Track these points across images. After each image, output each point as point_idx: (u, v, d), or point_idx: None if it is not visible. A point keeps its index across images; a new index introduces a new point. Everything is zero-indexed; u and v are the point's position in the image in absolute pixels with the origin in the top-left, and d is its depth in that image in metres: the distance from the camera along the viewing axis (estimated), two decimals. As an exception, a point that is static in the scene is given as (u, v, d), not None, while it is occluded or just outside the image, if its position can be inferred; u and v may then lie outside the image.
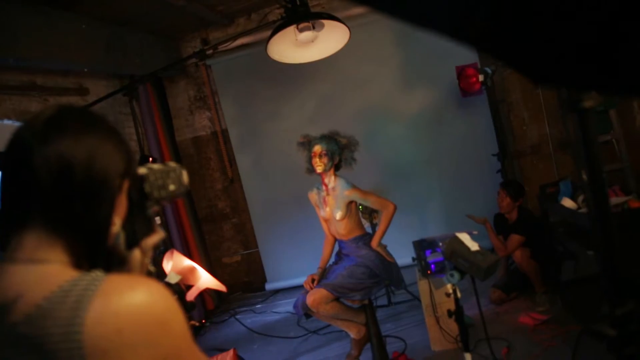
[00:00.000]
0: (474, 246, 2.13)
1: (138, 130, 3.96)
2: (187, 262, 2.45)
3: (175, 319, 0.79)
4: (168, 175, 0.98)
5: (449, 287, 2.20)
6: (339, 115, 5.45)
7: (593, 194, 0.85)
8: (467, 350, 2.26)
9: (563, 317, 3.67)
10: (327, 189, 3.51)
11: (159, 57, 5.35)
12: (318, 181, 3.62)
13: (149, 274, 0.96)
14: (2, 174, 0.84)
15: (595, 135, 0.84)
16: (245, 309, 5.55)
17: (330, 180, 3.47)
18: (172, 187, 0.99)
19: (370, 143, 5.23)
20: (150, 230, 0.95)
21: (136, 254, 0.91)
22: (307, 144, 3.52)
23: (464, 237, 2.16)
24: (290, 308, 5.29)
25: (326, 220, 3.67)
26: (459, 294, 2.21)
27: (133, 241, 0.90)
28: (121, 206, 0.88)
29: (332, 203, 3.49)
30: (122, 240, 0.88)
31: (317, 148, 3.40)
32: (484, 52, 0.52)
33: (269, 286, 5.99)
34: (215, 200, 6.18)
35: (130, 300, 0.75)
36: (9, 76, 3.70)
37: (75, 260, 0.83)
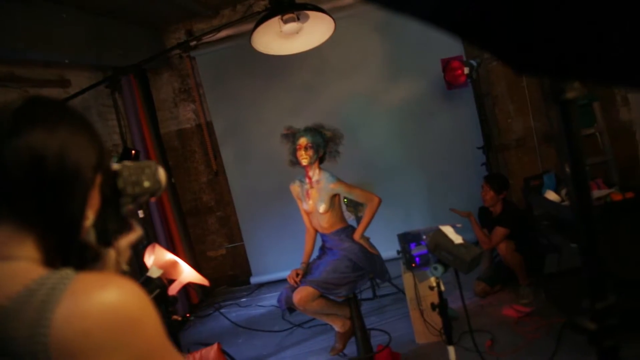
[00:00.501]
0: (457, 239, 2.12)
1: (121, 122, 3.90)
2: (169, 256, 2.42)
3: (148, 318, 0.76)
4: (143, 172, 0.95)
5: (432, 281, 2.20)
6: (324, 107, 5.43)
7: (575, 187, 0.84)
8: (450, 343, 2.26)
9: (546, 310, 3.70)
10: (310, 182, 3.48)
11: (143, 49, 5.27)
12: (300, 173, 3.59)
13: (123, 273, 0.93)
14: None
15: (578, 127, 0.83)
16: (230, 302, 5.52)
17: (315, 173, 3.45)
18: (146, 184, 0.95)
19: (355, 135, 5.22)
20: (124, 228, 0.92)
21: (110, 252, 0.88)
22: (291, 136, 3.49)
23: (448, 230, 2.15)
24: (274, 302, 5.26)
25: (308, 213, 3.65)
26: (442, 287, 2.20)
27: (105, 238, 0.87)
28: (94, 201, 0.85)
29: (316, 196, 3.47)
30: (92, 236, 0.85)
31: (303, 140, 3.37)
32: (467, 39, 0.50)
33: (254, 280, 5.97)
34: (199, 193, 6.13)
35: (100, 299, 0.72)
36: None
37: (45, 256, 0.79)
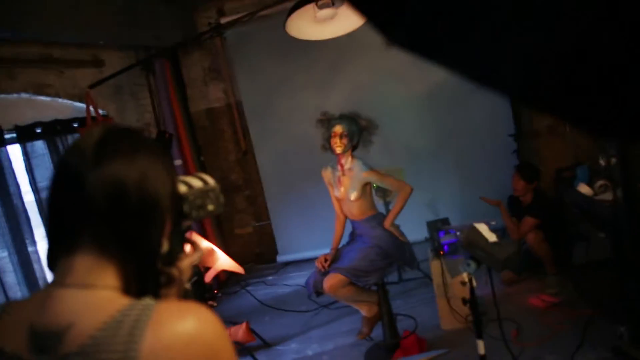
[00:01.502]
0: (491, 237, 2.13)
1: (154, 104, 3.95)
2: (205, 244, 2.48)
3: (224, 346, 0.80)
4: (207, 196, 0.98)
5: (464, 276, 2.22)
6: (355, 91, 5.41)
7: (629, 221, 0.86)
8: (480, 337, 2.30)
9: (573, 301, 3.70)
10: (342, 169, 3.50)
11: (175, 28, 5.29)
12: (332, 159, 3.61)
13: (186, 292, 0.97)
14: (51, 198, 0.85)
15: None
16: (256, 280, 5.63)
17: (347, 161, 3.46)
18: (210, 207, 0.98)
19: (384, 119, 5.19)
20: (183, 248, 0.96)
21: (175, 272, 0.92)
22: (326, 122, 3.49)
23: (482, 228, 2.17)
24: (300, 281, 5.34)
25: (339, 200, 3.67)
26: (474, 283, 2.23)
27: (170, 260, 0.91)
28: (167, 227, 0.88)
29: (348, 183, 3.49)
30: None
31: (338, 128, 3.37)
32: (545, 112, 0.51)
33: (280, 258, 6.06)
34: (228, 172, 6.20)
35: (181, 330, 0.75)
36: (24, 49, 3.68)
37: (124, 284, 0.83)
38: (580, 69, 0.48)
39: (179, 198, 0.94)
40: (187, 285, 0.96)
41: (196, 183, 1.00)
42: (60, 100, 3.94)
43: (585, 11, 0.47)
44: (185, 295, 1.00)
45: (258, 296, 5.09)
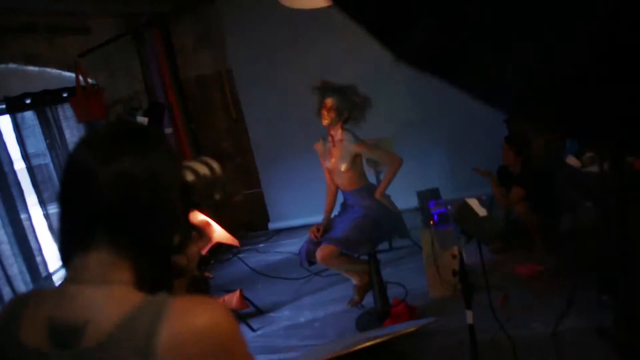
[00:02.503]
0: (482, 212, 2.19)
1: (145, 72, 3.91)
2: (201, 217, 2.51)
3: (237, 340, 0.83)
4: (215, 186, 1.00)
5: (455, 249, 2.28)
6: (347, 60, 5.35)
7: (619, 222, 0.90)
8: (469, 308, 2.38)
9: (559, 270, 3.80)
10: (333, 141, 3.52)
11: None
12: (325, 131, 3.63)
13: (194, 279, 1.00)
14: (62, 196, 0.86)
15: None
16: (248, 248, 5.67)
17: (337, 133, 3.48)
18: (217, 196, 1.00)
19: (376, 88, 5.18)
20: (191, 235, 0.98)
21: (184, 261, 0.94)
22: (322, 90, 3.47)
23: (473, 203, 2.22)
24: (292, 248, 5.41)
25: (330, 171, 3.70)
26: (464, 256, 2.29)
27: (179, 248, 0.93)
28: (179, 219, 0.90)
29: (338, 154, 3.52)
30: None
31: (328, 101, 3.38)
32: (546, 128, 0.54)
33: (272, 226, 6.12)
34: (218, 140, 6.18)
35: (196, 325, 0.78)
36: (13, 18, 3.61)
37: (138, 279, 0.84)
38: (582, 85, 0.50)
39: (188, 188, 0.96)
40: (196, 272, 0.99)
41: (202, 169, 1.01)
42: (49, 70, 3.88)
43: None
44: (193, 281, 1.03)
45: (250, 264, 5.15)
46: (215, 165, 1.03)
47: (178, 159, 0.92)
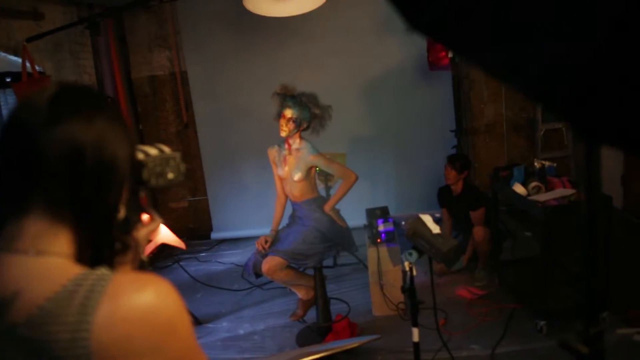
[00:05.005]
0: (435, 229, 2.19)
1: (96, 66, 3.76)
2: (145, 216, 2.40)
3: (183, 321, 0.77)
4: (167, 163, 0.95)
5: (406, 265, 2.28)
6: (304, 71, 5.34)
7: (588, 218, 0.89)
8: (415, 325, 2.37)
9: (498, 295, 3.89)
10: (290, 149, 3.47)
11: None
12: (280, 139, 3.57)
13: (142, 263, 0.93)
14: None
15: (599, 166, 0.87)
16: (189, 256, 5.50)
17: (295, 142, 3.44)
18: (170, 176, 0.95)
19: (332, 103, 5.20)
20: (140, 217, 0.92)
21: (131, 241, 0.87)
22: (282, 97, 3.40)
23: (427, 219, 2.22)
24: (234, 259, 5.31)
25: (282, 179, 3.64)
26: (414, 272, 2.29)
27: (127, 229, 0.86)
28: (125, 193, 0.84)
29: (293, 163, 3.47)
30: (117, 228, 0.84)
31: (288, 112, 3.32)
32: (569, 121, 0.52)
33: (214, 235, 5.98)
34: (167, 144, 5.88)
35: (139, 302, 0.71)
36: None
37: (78, 251, 0.78)
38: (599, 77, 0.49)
39: (138, 164, 0.90)
40: (144, 257, 0.92)
41: (153, 152, 0.96)
42: (-7, 52, 3.67)
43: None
44: (141, 267, 0.96)
45: (190, 272, 4.99)
46: (166, 148, 0.99)
47: (126, 125, 0.85)
